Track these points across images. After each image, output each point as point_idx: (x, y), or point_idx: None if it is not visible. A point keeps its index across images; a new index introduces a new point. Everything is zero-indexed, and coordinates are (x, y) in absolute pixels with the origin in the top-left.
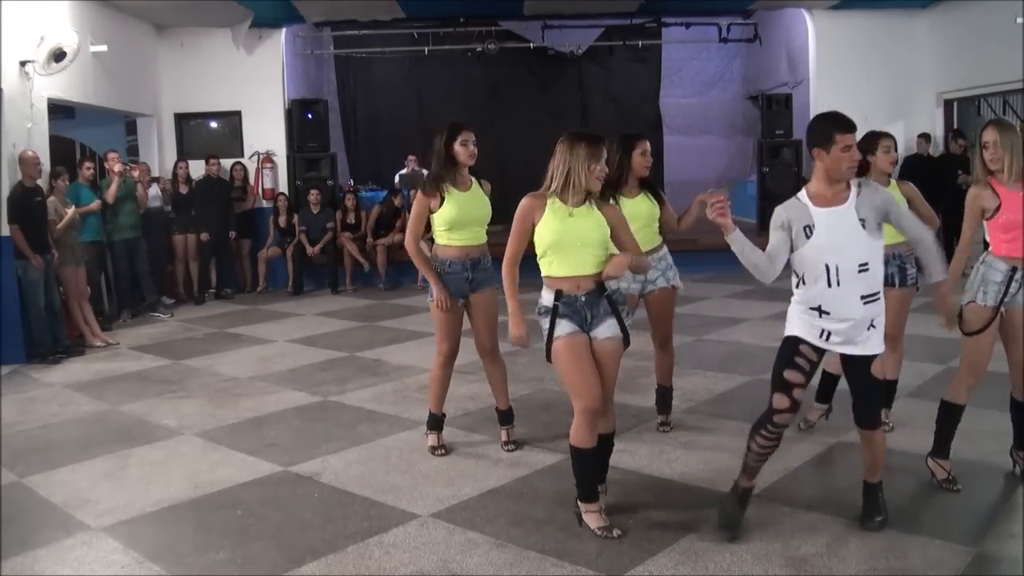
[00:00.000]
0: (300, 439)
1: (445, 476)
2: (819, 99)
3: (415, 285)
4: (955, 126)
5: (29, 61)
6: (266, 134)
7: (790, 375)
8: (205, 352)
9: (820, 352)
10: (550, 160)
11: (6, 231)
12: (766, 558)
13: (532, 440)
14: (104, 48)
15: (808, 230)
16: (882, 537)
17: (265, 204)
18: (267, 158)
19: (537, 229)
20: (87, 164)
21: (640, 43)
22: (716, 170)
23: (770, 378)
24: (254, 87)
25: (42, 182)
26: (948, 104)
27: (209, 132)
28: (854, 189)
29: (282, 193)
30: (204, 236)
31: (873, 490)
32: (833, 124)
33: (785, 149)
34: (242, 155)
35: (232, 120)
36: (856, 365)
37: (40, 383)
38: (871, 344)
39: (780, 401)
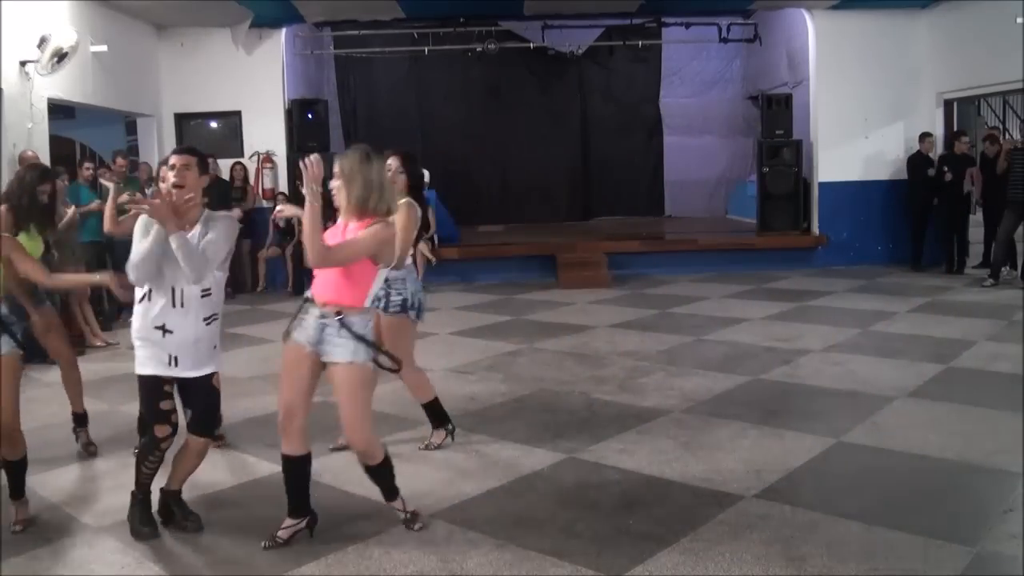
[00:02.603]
0: None
1: (445, 476)
2: (819, 99)
3: None
4: (955, 126)
5: (29, 61)
6: (266, 134)
7: (164, 405)
8: None
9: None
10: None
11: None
12: (766, 558)
13: (532, 440)
14: (104, 48)
15: None
16: (882, 537)
17: (265, 204)
18: (267, 158)
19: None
20: (87, 164)
21: (640, 43)
22: (716, 170)
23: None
24: (254, 87)
25: None
26: (948, 104)
27: (209, 132)
28: (201, 221)
29: (282, 193)
30: None
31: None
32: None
33: (785, 149)
34: (242, 155)
35: (232, 120)
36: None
37: (40, 383)
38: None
39: (162, 431)
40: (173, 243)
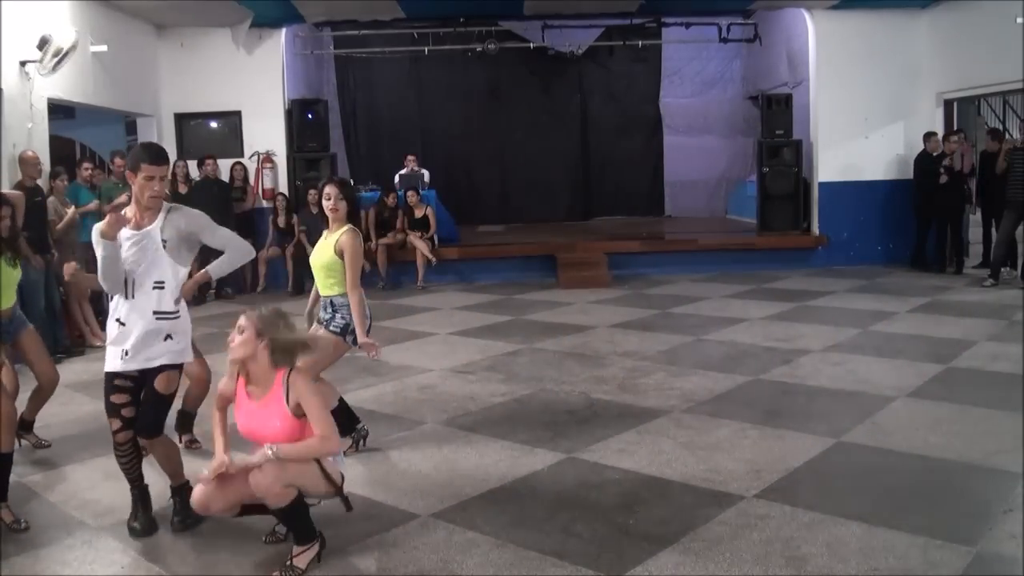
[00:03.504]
0: None
1: (445, 476)
2: (819, 99)
3: (415, 285)
4: (955, 126)
5: (29, 61)
6: (266, 134)
7: (115, 398)
8: (205, 352)
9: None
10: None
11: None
12: (766, 558)
13: (532, 440)
14: (104, 48)
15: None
16: (882, 537)
17: (265, 204)
18: (267, 158)
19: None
20: (86, 165)
21: (640, 43)
22: (716, 170)
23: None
24: (254, 87)
25: (42, 182)
26: (948, 104)
27: (209, 132)
28: (163, 212)
29: (282, 193)
30: None
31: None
32: (141, 155)
33: (785, 149)
34: (242, 155)
35: (232, 120)
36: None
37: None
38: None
39: (113, 424)
40: (100, 251)
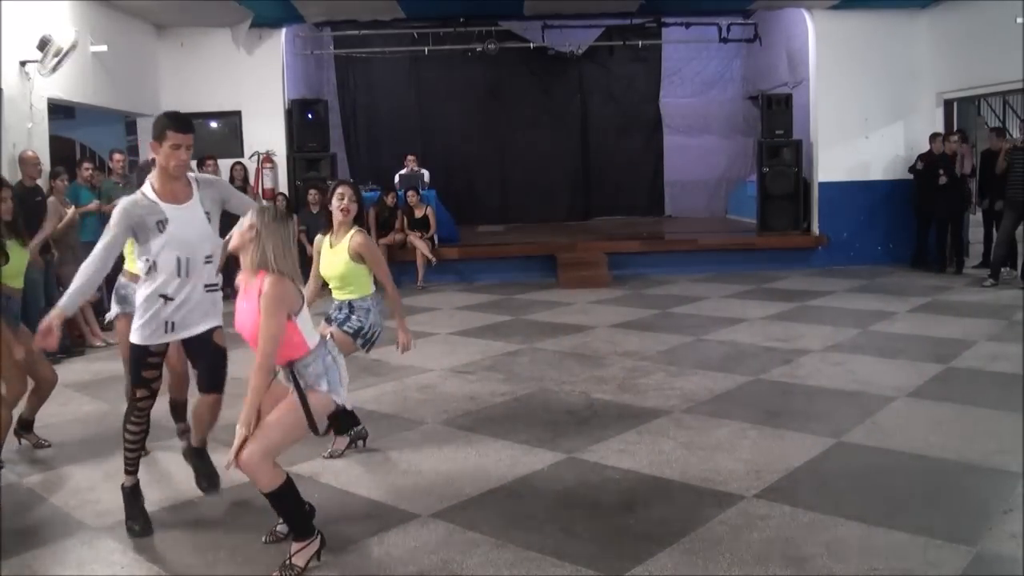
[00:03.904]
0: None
1: (445, 476)
2: (819, 99)
3: (415, 285)
4: (955, 126)
5: (29, 61)
6: (266, 134)
7: (147, 373)
8: None
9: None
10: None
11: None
12: (766, 558)
13: (532, 440)
14: (104, 48)
15: (161, 225)
16: (882, 537)
17: (265, 204)
18: (267, 158)
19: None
20: (86, 165)
21: (640, 43)
22: (716, 170)
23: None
24: (254, 87)
25: (42, 182)
26: (948, 104)
27: (209, 132)
28: (195, 185)
29: (282, 193)
30: None
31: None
32: (167, 123)
33: (785, 149)
34: (242, 155)
35: (232, 120)
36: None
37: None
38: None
39: (140, 392)
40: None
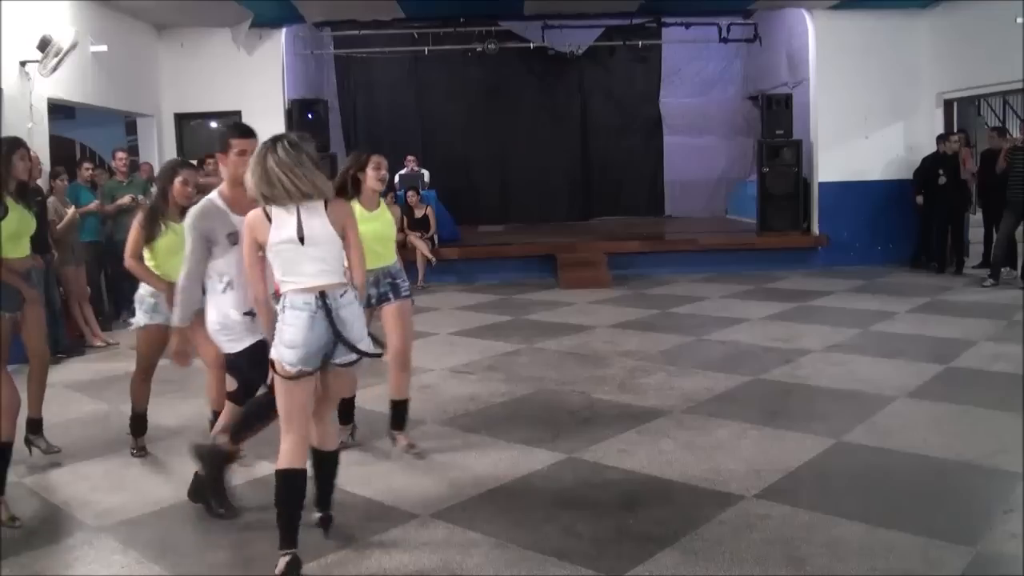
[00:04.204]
0: None
1: (445, 476)
2: (819, 99)
3: (415, 285)
4: (955, 126)
5: (29, 61)
6: (266, 134)
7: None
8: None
9: None
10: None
11: None
12: (766, 558)
13: (532, 440)
14: (104, 48)
15: (232, 238)
16: (882, 537)
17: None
18: None
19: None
20: (86, 165)
21: (640, 43)
22: (716, 170)
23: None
24: (254, 87)
25: (42, 182)
26: (948, 104)
27: (209, 132)
28: None
29: None
30: None
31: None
32: (227, 132)
33: (785, 149)
34: None
35: (232, 120)
36: None
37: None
38: None
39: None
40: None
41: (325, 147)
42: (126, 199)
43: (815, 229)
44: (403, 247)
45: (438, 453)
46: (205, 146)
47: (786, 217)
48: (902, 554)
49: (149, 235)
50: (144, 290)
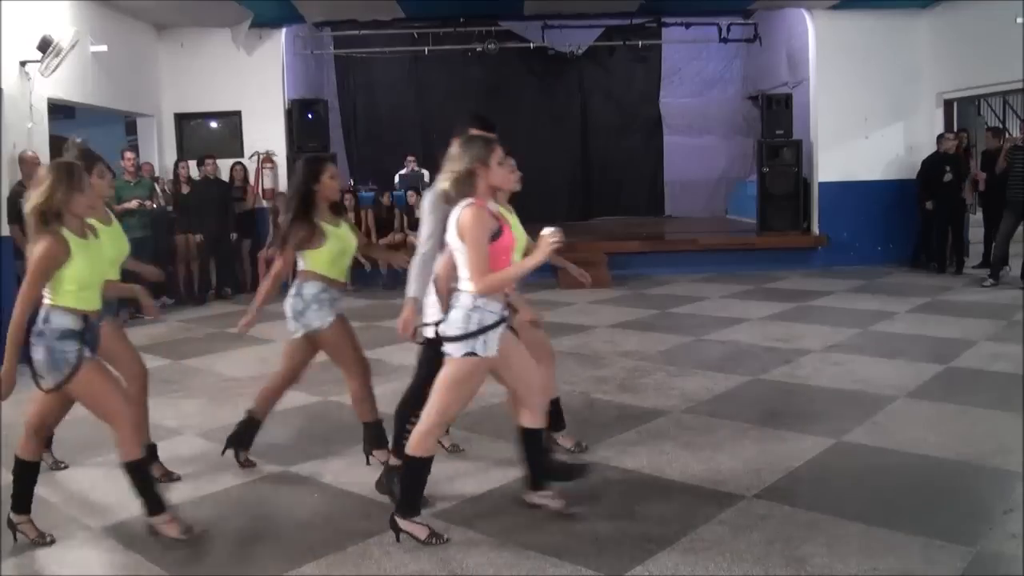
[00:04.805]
0: (300, 439)
1: (445, 476)
2: (819, 99)
3: None
4: (955, 126)
5: (29, 61)
6: (266, 134)
7: None
8: (205, 352)
9: None
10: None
11: (6, 231)
12: (766, 558)
13: None
14: (104, 48)
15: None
16: (882, 537)
17: (265, 204)
18: (267, 158)
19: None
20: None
21: (640, 43)
22: (716, 170)
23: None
24: (254, 87)
25: None
26: (948, 104)
27: (209, 132)
28: None
29: (282, 193)
30: (198, 238)
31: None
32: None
33: (785, 149)
34: (242, 155)
35: (232, 120)
36: None
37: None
38: None
39: None
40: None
41: (325, 147)
42: (132, 203)
43: (815, 229)
44: (403, 247)
45: (438, 453)
46: (205, 146)
47: (786, 217)
48: (902, 554)
49: (306, 246)
50: (311, 289)
